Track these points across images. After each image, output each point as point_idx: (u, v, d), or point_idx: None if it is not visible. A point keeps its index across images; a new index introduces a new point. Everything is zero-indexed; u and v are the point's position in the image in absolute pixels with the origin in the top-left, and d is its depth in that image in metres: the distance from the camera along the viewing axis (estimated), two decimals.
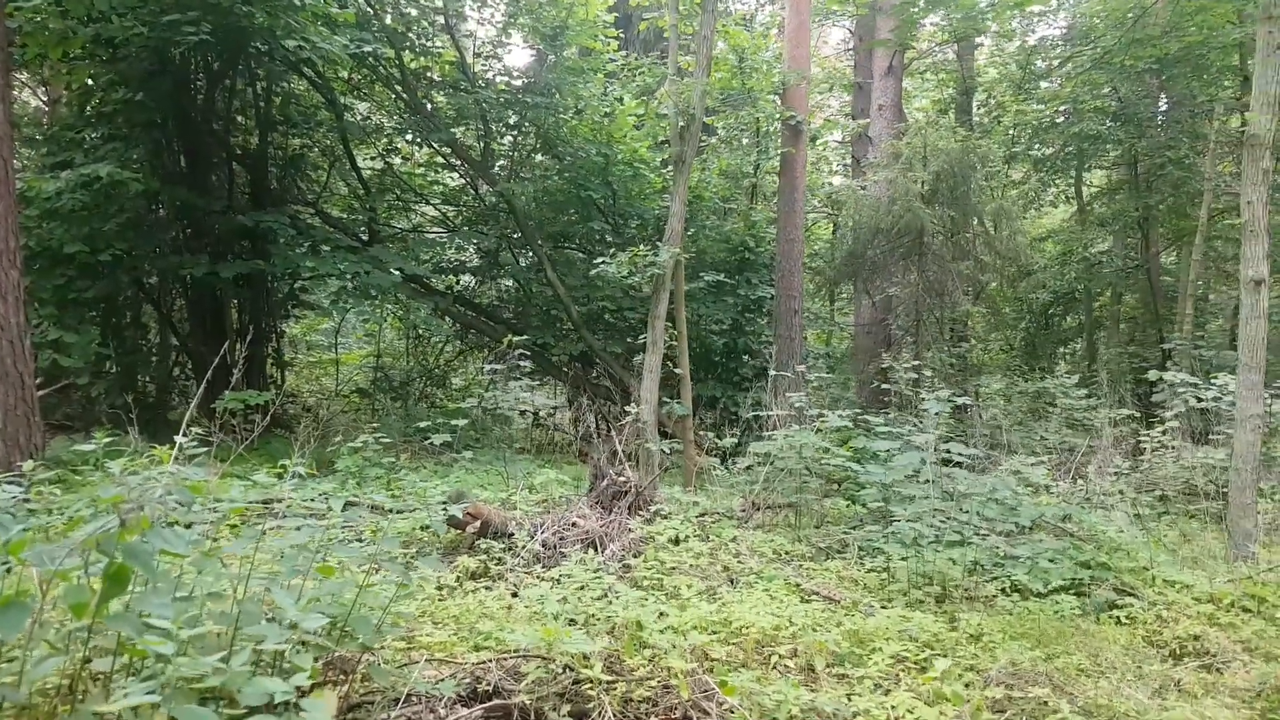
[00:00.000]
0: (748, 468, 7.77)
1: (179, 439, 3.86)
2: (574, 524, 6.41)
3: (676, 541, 6.36)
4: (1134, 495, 8.20)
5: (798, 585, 5.69)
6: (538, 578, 5.70)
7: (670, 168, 13.98)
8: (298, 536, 3.51)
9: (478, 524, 6.22)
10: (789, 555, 6.43)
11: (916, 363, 9.39)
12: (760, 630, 4.66)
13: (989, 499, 6.73)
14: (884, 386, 9.46)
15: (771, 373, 8.57)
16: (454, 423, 7.16)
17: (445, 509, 6.09)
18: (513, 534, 6.29)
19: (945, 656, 4.55)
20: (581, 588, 5.40)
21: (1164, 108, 16.25)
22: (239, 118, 12.55)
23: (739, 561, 6.11)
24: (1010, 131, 16.76)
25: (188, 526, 3.70)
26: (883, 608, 5.38)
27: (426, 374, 14.71)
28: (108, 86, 10.85)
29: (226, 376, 12.21)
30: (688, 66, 10.33)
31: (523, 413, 9.90)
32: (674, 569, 5.76)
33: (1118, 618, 5.39)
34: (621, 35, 12.92)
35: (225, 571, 3.53)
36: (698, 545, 6.27)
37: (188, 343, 11.53)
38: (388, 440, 7.14)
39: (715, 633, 4.66)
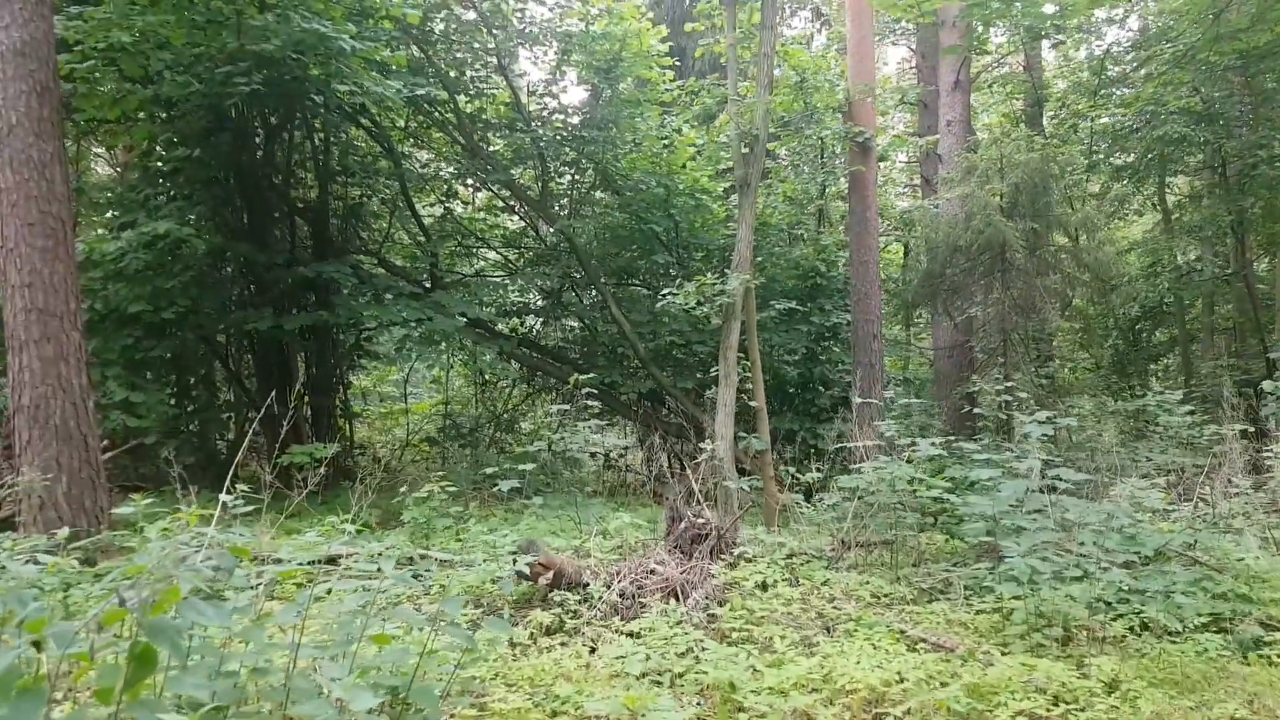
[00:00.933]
0: (834, 505, 7.22)
1: (223, 497, 3.55)
2: (652, 571, 5.96)
3: (764, 587, 5.87)
4: (1263, 518, 7.40)
5: (903, 632, 5.14)
6: (616, 631, 5.26)
7: (734, 194, 13.68)
8: (351, 601, 3.16)
9: (550, 575, 5.83)
10: (888, 598, 5.87)
11: (1010, 384, 8.74)
12: (868, 687, 4.15)
13: (1108, 528, 6.09)
14: (975, 411, 8.82)
15: (856, 400, 8.03)
16: (522, 468, 6.81)
17: (515, 561, 5.72)
18: (588, 584, 5.88)
19: (1082, 710, 3.99)
20: (665, 642, 4.94)
21: (1248, 106, 15.31)
22: (298, 170, 12.63)
23: (834, 607, 5.58)
24: (1087, 141, 16.00)
25: (232, 595, 3.39)
26: (1001, 654, 4.81)
27: (495, 419, 14.49)
28: (167, 145, 10.98)
29: (296, 430, 12.21)
30: (747, 91, 10.01)
31: (593, 454, 9.53)
32: (764, 618, 5.26)
33: (1268, 656, 4.72)
34: (677, 64, 12.69)
35: (275, 642, 3.19)
36: (787, 590, 5.77)
37: (256, 398, 11.50)
38: (455, 489, 6.82)
39: (817, 691, 4.16)
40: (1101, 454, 9.82)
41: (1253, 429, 12.43)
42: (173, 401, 11.45)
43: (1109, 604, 5.36)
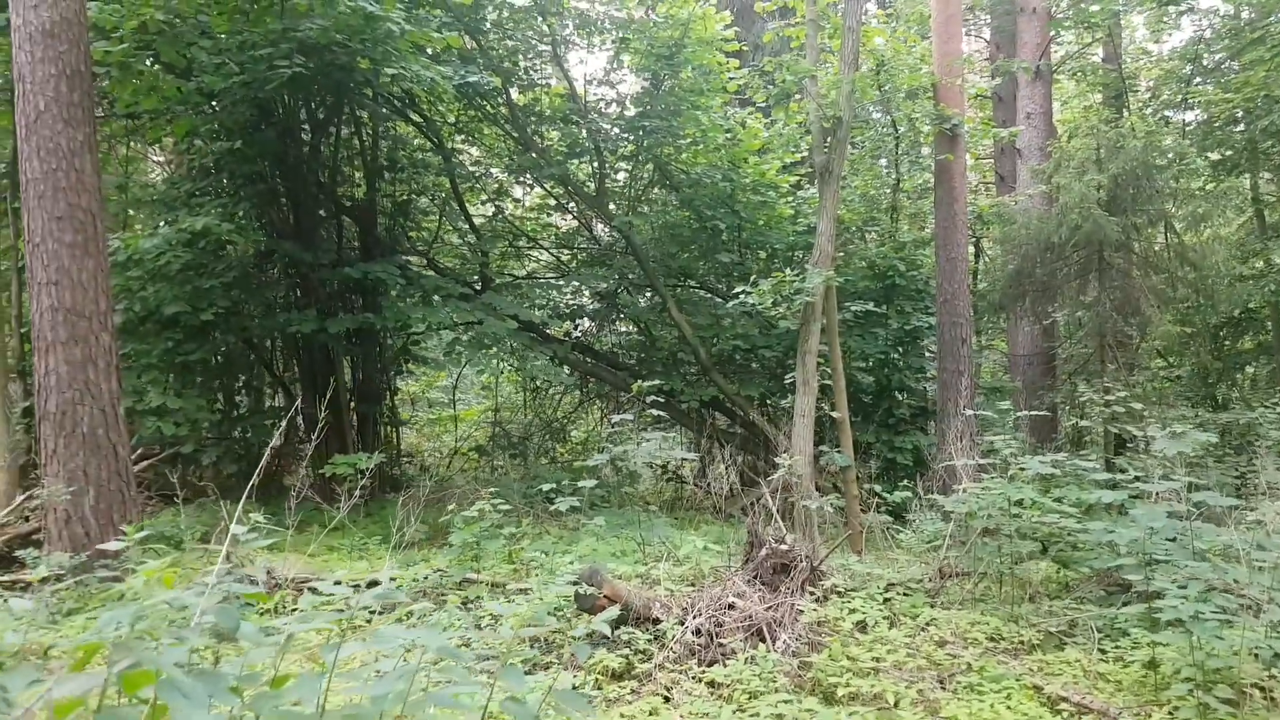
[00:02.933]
0: (934, 529, 6.38)
1: (233, 529, 2.89)
2: (732, 605, 5.20)
3: (863, 628, 5.07)
4: None
5: (1038, 688, 4.31)
6: (695, 678, 4.52)
7: (801, 190, 12.85)
8: (382, 683, 2.45)
9: (616, 608, 5.09)
10: (1007, 642, 5.02)
11: (1123, 394, 7.79)
12: None
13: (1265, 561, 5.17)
14: (1079, 423, 7.88)
15: (966, 413, 7.15)
16: (581, 484, 6.11)
17: (577, 594, 5.00)
18: (659, 619, 5.14)
19: None
20: (752, 698, 4.18)
21: None
22: (345, 168, 12.13)
23: (947, 654, 4.75)
24: (1179, 135, 14.85)
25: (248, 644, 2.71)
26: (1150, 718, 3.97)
27: (546, 427, 13.83)
28: (209, 139, 10.53)
29: (341, 438, 11.67)
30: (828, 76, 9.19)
31: (650, 465, 8.80)
32: (869, 668, 4.46)
33: None
34: (744, 48, 11.92)
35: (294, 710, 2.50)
36: (889, 632, 4.95)
37: (300, 404, 10.99)
38: (507, 506, 6.13)
39: None
40: (1222, 472, 8.81)
41: None
42: (217, 408, 10.99)
43: (1278, 655, 4.45)
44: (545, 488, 6.29)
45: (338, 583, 5.33)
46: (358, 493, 8.66)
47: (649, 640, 4.89)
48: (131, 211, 12.10)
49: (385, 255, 11.07)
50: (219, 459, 10.44)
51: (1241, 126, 14.81)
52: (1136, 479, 6.42)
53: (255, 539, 3.25)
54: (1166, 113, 15.96)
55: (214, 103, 9.76)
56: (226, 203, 10.16)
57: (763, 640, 4.87)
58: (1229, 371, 16.26)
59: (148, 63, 8.69)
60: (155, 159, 14.47)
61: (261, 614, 5.47)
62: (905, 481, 8.70)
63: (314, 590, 3.22)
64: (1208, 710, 4.05)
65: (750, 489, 10.80)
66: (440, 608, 5.70)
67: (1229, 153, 14.75)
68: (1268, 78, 11.75)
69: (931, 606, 5.67)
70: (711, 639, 4.92)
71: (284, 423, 9.57)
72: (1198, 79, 15.34)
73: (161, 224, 9.88)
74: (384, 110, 11.35)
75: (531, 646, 5.05)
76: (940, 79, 9.71)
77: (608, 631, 3.72)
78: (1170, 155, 10.65)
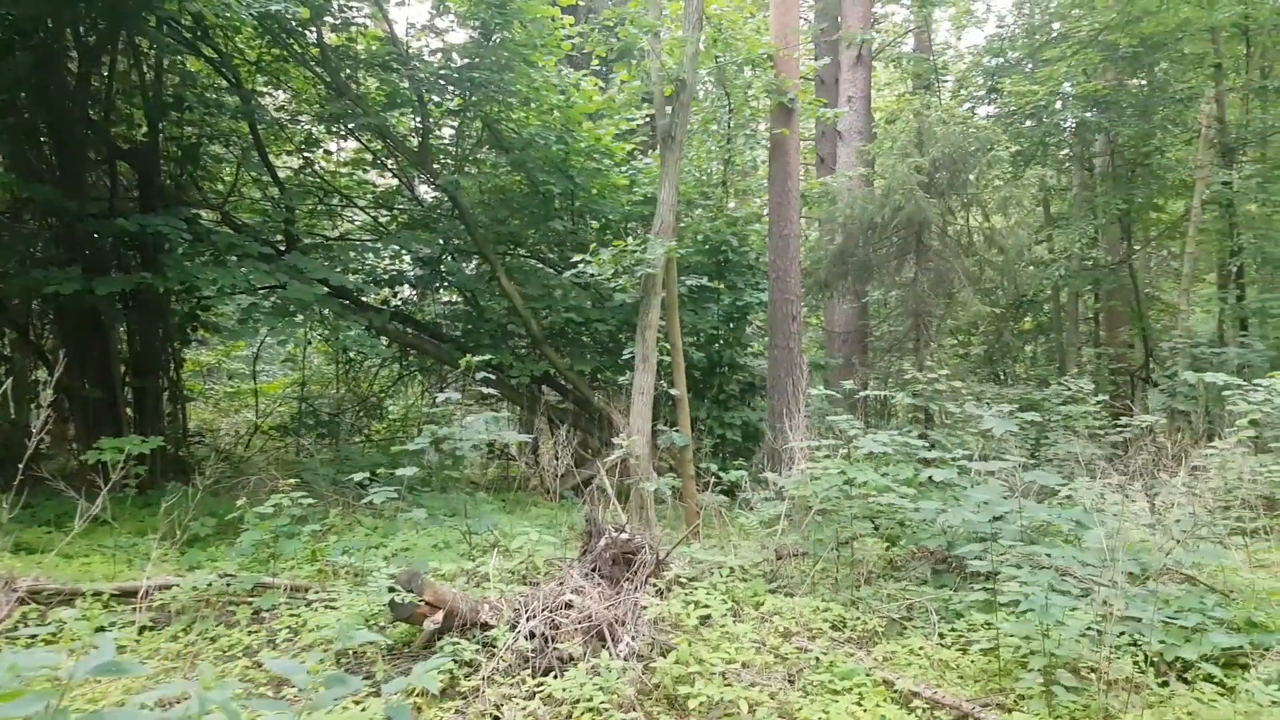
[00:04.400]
0: (773, 510, 6.19)
1: None
2: (569, 604, 4.74)
3: (707, 621, 4.75)
4: (1234, 522, 6.74)
5: (888, 683, 4.13)
6: (529, 694, 4.03)
7: (642, 158, 12.46)
8: None
9: (439, 616, 4.52)
10: (852, 629, 4.86)
11: (946, 371, 7.94)
12: None
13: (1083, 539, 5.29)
14: (893, 399, 7.95)
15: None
16: (400, 472, 5.44)
17: (393, 604, 4.38)
18: (489, 624, 4.61)
19: None
20: (595, 715, 3.75)
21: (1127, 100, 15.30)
22: (122, 104, 10.59)
23: (795, 647, 4.51)
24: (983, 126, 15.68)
25: None
26: (1010, 713, 3.88)
27: (360, 403, 12.82)
28: None
29: (114, 417, 10.26)
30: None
31: (478, 447, 8.18)
32: (718, 670, 4.13)
33: None
34: (580, 1, 11.31)
35: None
36: (735, 626, 4.66)
37: (61, 378, 9.55)
38: (309, 500, 5.37)
39: None
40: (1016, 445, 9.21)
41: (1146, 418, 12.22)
42: None
43: (1101, 633, 4.49)
44: (357, 477, 5.56)
45: (98, 594, 4.39)
46: (130, 482, 7.57)
47: (477, 649, 4.35)
48: None
49: (169, 206, 9.73)
50: None
51: (1030, 122, 15.85)
52: (965, 457, 6.50)
53: None
54: (968, 104, 16.83)
55: None
56: None
57: (604, 642, 4.45)
58: (1014, 350, 17.50)
59: None
60: None
61: None
62: (739, 460, 8.57)
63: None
64: (1053, 699, 4.00)
65: (584, 468, 10.39)
66: (225, 621, 4.92)
67: (1025, 145, 15.73)
68: (1068, 72, 12.51)
69: (773, 593, 5.46)
70: (547, 643, 4.45)
71: (41, 401, 8.18)
72: (996, 75, 16.25)
73: None
74: (170, 40, 9.93)
75: (340, 664, 4.39)
76: (779, 50, 9.55)
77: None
78: (981, 142, 11.03)
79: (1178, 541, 5.29)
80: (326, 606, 4.91)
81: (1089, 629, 4.24)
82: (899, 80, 21.67)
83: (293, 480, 5.75)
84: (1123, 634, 4.46)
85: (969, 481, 6.01)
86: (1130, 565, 4.67)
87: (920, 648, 4.52)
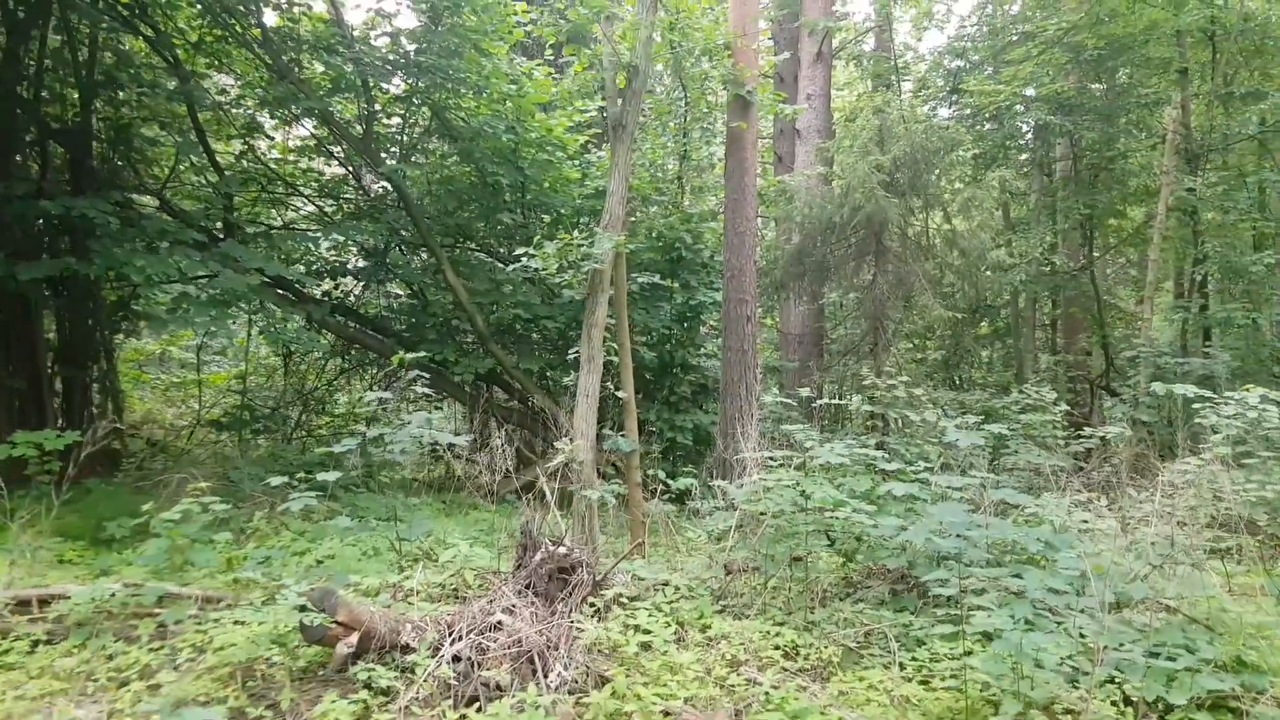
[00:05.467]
0: (735, 527, 5.90)
1: None
2: (498, 625, 4.41)
3: (648, 648, 4.44)
4: (1210, 543, 6.53)
5: None
6: None
7: (595, 150, 12.10)
8: None
9: (355, 638, 4.16)
10: (804, 658, 4.58)
11: (906, 379, 7.73)
12: None
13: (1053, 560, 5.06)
14: (846, 405, 7.73)
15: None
16: (323, 477, 5.06)
17: (303, 624, 4.02)
18: (409, 646, 4.26)
19: None
20: None
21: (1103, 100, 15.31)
22: (53, 83, 10.04)
23: (743, 677, 4.23)
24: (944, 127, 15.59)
25: None
26: None
27: (302, 398, 12.33)
28: None
29: (39, 408, 9.73)
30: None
31: (406, 450, 7.79)
32: (657, 710, 3.82)
33: None
34: None
35: None
36: (679, 655, 4.36)
37: None
38: (223, 505, 4.96)
39: None
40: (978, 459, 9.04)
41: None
42: None
43: (1075, 667, 4.23)
44: (275, 482, 5.16)
45: None
46: (45, 479, 7.07)
47: (395, 675, 4.01)
48: None
49: (100, 190, 9.20)
50: None
51: (990, 125, 15.80)
52: (927, 469, 6.28)
53: None
54: (929, 105, 16.74)
55: None
56: None
57: (534, 667, 4.13)
58: (969, 356, 17.45)
59: None
60: None
61: None
62: (689, 467, 8.29)
63: None
64: None
65: (527, 468, 10.04)
66: (126, 636, 4.51)
67: (986, 147, 15.66)
68: (1033, 73, 12.41)
69: (720, 613, 5.18)
70: (473, 669, 4.12)
71: None
72: (958, 76, 16.17)
73: None
74: (105, 16, 9.40)
75: (245, 688, 4.02)
76: (736, 41, 9.27)
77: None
78: (945, 142, 10.85)
79: (1154, 566, 5.09)
80: (236, 623, 4.51)
81: (1062, 662, 3.99)
82: (859, 80, 21.55)
83: (210, 482, 5.34)
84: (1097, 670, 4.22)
85: (929, 494, 5.79)
86: (1106, 593, 4.45)
87: (880, 681, 4.24)
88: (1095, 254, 16.57)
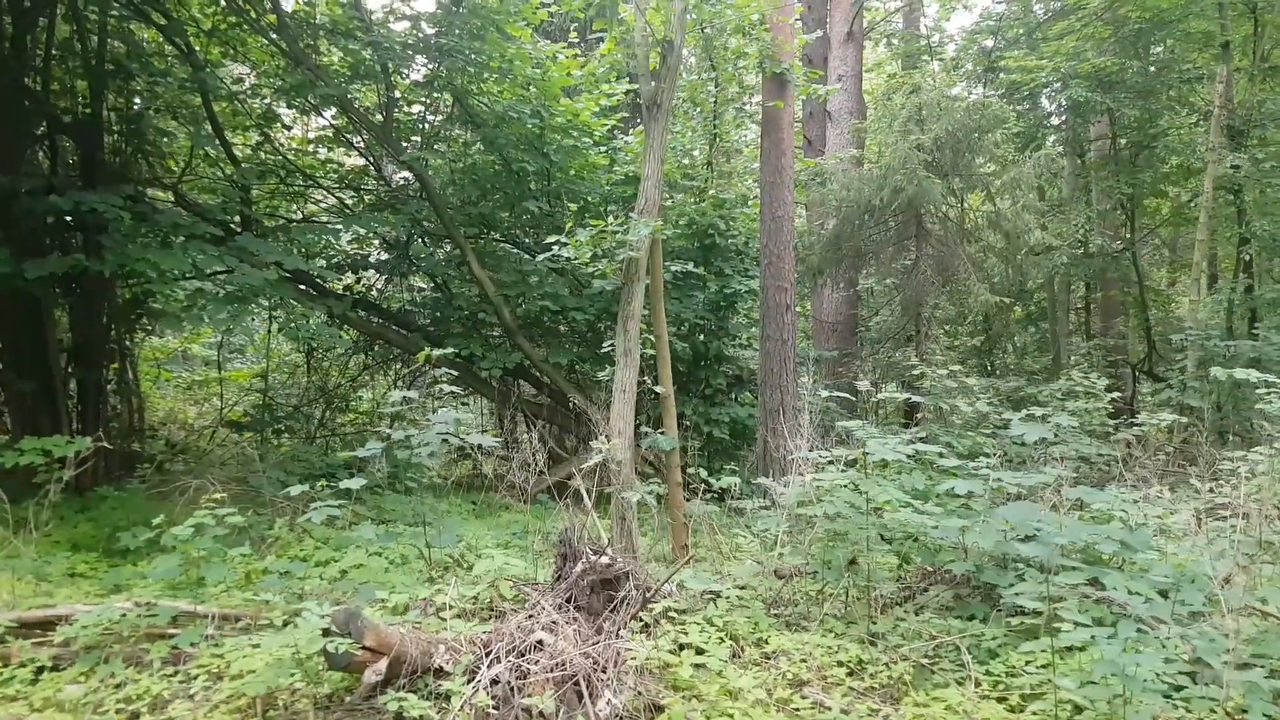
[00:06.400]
0: (782, 533, 5.51)
1: None
2: (539, 643, 4.04)
3: (702, 669, 4.06)
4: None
5: None
6: None
7: (622, 136, 11.69)
8: None
9: (383, 663, 3.81)
10: (871, 675, 4.18)
11: (958, 368, 7.28)
12: None
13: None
14: (885, 395, 7.29)
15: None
16: (344, 484, 4.72)
17: (326, 652, 3.67)
18: (442, 669, 3.90)
19: None
20: None
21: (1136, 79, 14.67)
22: (62, 74, 9.75)
23: (810, 702, 3.83)
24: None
25: None
26: None
27: (325, 396, 12.02)
28: None
29: (52, 412, 9.46)
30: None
31: (434, 454, 7.44)
32: None
33: None
34: None
35: None
36: (737, 678, 3.97)
37: None
38: (244, 513, 4.62)
39: None
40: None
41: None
42: None
43: (1170, 684, 3.80)
44: (294, 491, 4.82)
45: None
46: (51, 486, 6.78)
47: (428, 705, 3.65)
48: None
49: (112, 184, 8.90)
50: None
51: (1026, 104, 15.23)
52: (986, 465, 5.84)
53: None
54: (962, 84, 16.18)
55: None
56: None
57: (581, 696, 3.76)
58: (1004, 341, 16.88)
59: None
60: None
61: None
62: (731, 465, 7.89)
63: None
64: None
65: (559, 465, 9.68)
66: (136, 661, 4.18)
67: (1025, 126, 15.10)
68: (1076, 47, 11.87)
69: (775, 622, 4.79)
70: (513, 694, 3.75)
71: None
72: (995, 53, 15.59)
73: None
74: (115, 5, 9.09)
75: (266, 718, 3.68)
76: (773, 16, 8.83)
77: None
78: (988, 120, 10.34)
79: (1242, 566, 4.67)
80: (254, 646, 4.17)
81: (1158, 678, 3.57)
82: (888, 60, 20.99)
83: (228, 488, 5.01)
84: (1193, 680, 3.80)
85: (987, 490, 5.36)
86: (1196, 597, 4.02)
87: (958, 703, 3.83)
88: (1136, 235, 16.00)
